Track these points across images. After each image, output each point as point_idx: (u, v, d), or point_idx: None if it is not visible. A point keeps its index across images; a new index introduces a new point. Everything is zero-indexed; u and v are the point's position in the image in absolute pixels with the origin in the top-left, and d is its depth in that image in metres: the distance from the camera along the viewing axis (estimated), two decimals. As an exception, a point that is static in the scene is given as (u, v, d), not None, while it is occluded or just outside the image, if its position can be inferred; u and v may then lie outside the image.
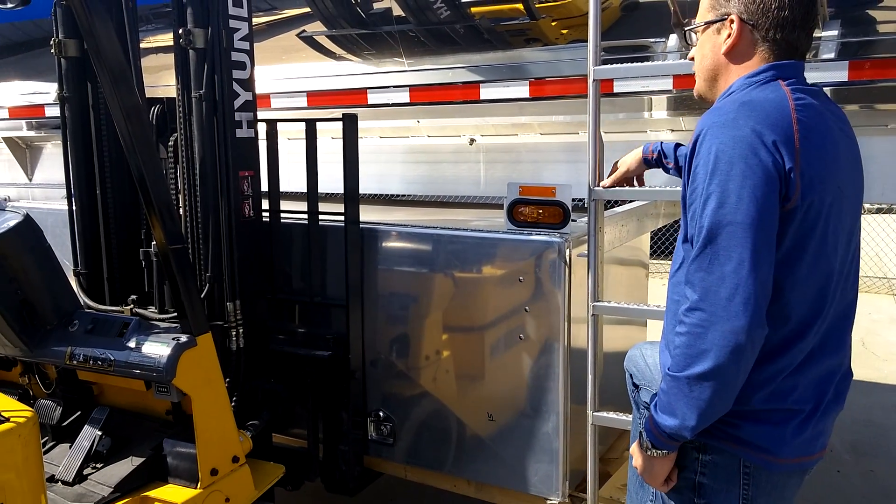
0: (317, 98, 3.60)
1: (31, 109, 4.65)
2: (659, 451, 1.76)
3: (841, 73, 2.72)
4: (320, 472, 3.10)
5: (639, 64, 2.70)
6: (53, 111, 4.62)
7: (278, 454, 3.00)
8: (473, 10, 3.45)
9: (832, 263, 1.68)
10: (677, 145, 2.39)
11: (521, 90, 3.17)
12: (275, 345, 3.07)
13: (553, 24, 3.56)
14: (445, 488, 3.14)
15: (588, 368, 2.66)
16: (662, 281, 8.19)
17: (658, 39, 3.28)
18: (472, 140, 3.58)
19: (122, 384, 2.71)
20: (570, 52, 3.22)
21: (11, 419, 2.03)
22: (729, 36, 1.76)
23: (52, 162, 5.06)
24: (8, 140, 5.02)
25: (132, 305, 2.80)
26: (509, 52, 3.27)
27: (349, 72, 3.57)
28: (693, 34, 1.88)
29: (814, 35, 3.00)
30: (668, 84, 3.00)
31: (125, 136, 2.31)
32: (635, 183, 2.56)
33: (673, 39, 3.23)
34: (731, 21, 1.74)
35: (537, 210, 2.81)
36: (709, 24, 1.80)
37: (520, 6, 3.49)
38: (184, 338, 2.46)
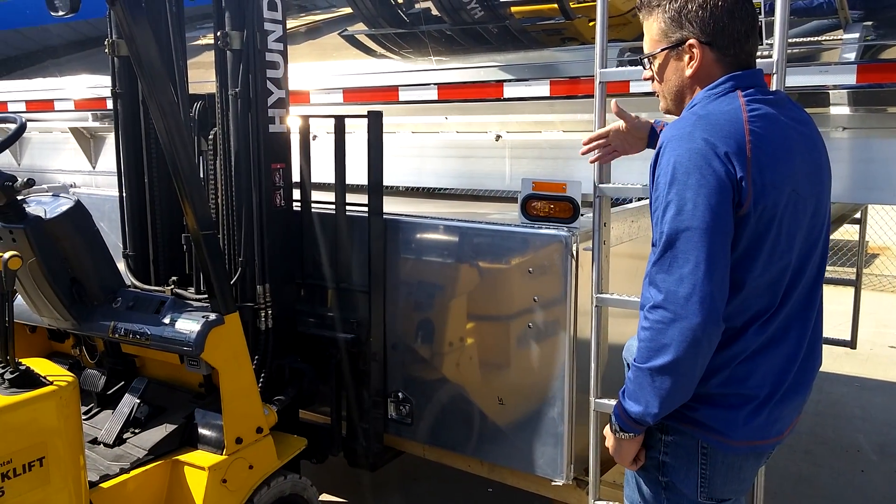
0: (352, 95, 3.79)
1: (96, 102, 4.97)
2: (626, 434, 1.90)
3: (849, 77, 2.76)
4: (343, 448, 3.30)
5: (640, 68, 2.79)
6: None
7: (304, 429, 3.21)
8: (513, 9, 3.58)
9: (788, 259, 1.80)
10: None
11: (543, 89, 3.30)
12: (302, 327, 3.28)
13: (590, 24, 3.67)
14: (461, 468, 3.31)
15: (591, 357, 2.78)
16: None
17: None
18: (498, 136, 3.71)
19: (160, 357, 2.96)
20: (589, 53, 3.32)
21: (55, 383, 2.29)
22: (691, 59, 1.87)
23: (114, 151, 5.38)
24: (74, 130, 5.37)
25: (172, 286, 3.03)
26: (532, 53, 3.39)
27: (382, 70, 3.75)
28: (648, 60, 1.98)
29: (835, 38, 3.07)
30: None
31: (161, 129, 2.53)
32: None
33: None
34: (691, 45, 1.85)
35: (549, 205, 2.93)
36: (666, 50, 1.91)
37: (555, 6, 3.61)
38: (213, 316, 2.68)
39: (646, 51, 2.00)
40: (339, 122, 3.21)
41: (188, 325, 2.67)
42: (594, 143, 2.49)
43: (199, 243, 2.64)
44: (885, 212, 8.18)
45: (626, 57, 3.56)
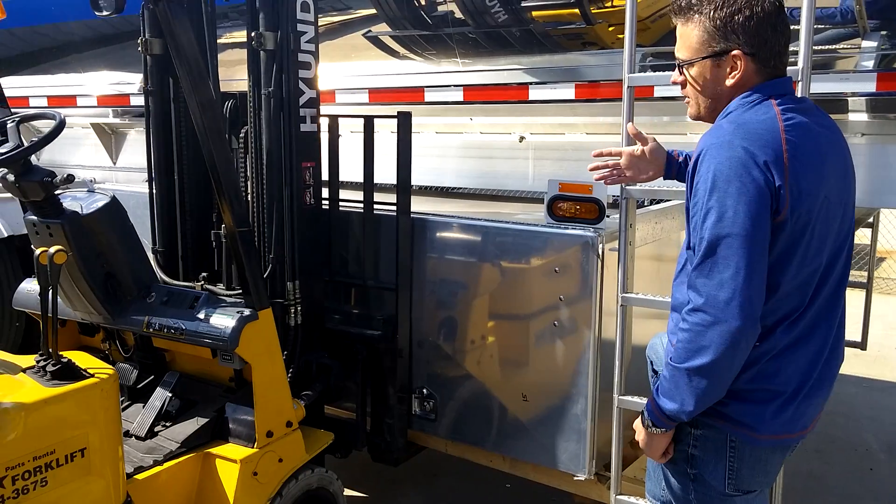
0: (377, 95, 3.84)
1: (118, 98, 5.03)
2: (658, 429, 1.95)
3: (869, 85, 2.81)
4: (367, 443, 3.35)
5: (671, 73, 2.84)
6: (138, 100, 4.99)
7: (329, 424, 3.26)
8: (534, 14, 3.64)
9: (819, 262, 1.86)
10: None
11: (568, 92, 3.35)
12: (329, 323, 3.33)
13: (610, 28, 3.72)
14: (483, 463, 3.36)
15: (616, 355, 2.83)
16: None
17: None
18: (522, 137, 3.77)
19: (191, 352, 3.01)
20: (614, 58, 3.38)
21: (96, 376, 2.34)
22: (733, 69, 1.91)
23: (135, 148, 5.44)
24: (96, 126, 5.42)
25: (202, 282, 3.09)
26: (557, 56, 3.44)
27: (407, 71, 3.80)
28: (683, 66, 2.01)
29: (853, 46, 3.12)
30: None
31: (200, 127, 2.58)
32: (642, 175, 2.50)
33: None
34: (735, 57, 1.89)
35: (575, 206, 2.99)
36: (708, 58, 1.93)
37: (576, 11, 3.66)
38: (247, 311, 2.73)
39: (680, 56, 2.03)
40: (369, 122, 3.26)
41: (223, 321, 2.72)
42: (604, 162, 2.51)
43: (234, 240, 2.69)
44: (893, 216, 8.23)
45: (647, 62, 3.61)
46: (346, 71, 3.95)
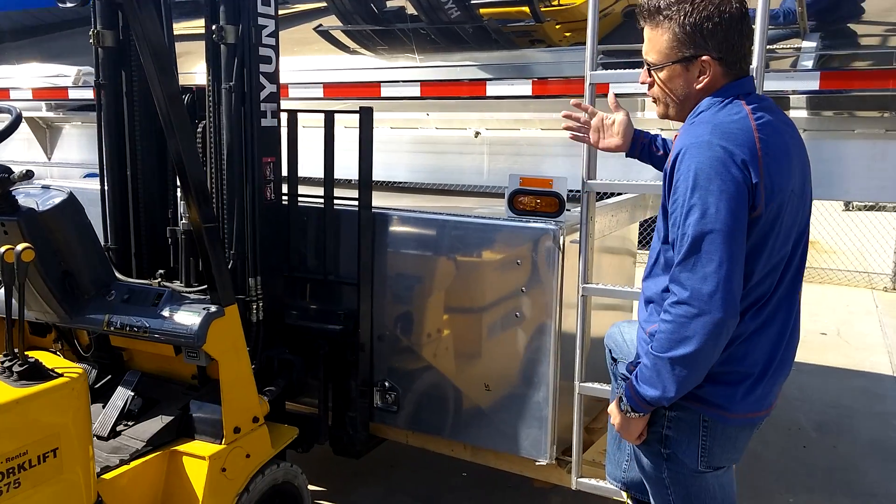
0: (333, 90, 3.84)
1: (55, 91, 4.87)
2: (636, 414, 2.04)
3: (813, 83, 2.98)
4: (329, 437, 3.37)
5: (631, 70, 2.94)
6: (77, 94, 4.85)
7: (290, 419, 3.26)
8: (482, 11, 3.70)
9: (785, 251, 1.99)
10: (665, 142, 2.62)
11: (525, 88, 3.42)
12: (289, 319, 3.33)
13: (557, 27, 3.81)
14: (444, 452, 3.42)
15: (577, 344, 2.93)
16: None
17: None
18: (478, 133, 3.83)
19: (152, 350, 2.97)
20: (571, 55, 3.47)
21: (65, 375, 2.30)
22: (702, 74, 2.01)
23: (71, 142, 5.28)
24: (29, 120, 5.23)
25: (160, 279, 3.04)
26: (514, 52, 3.52)
27: (364, 66, 3.81)
28: (654, 69, 2.09)
29: (794, 46, 3.28)
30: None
31: (166, 121, 2.55)
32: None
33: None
34: (705, 62, 1.99)
35: (535, 200, 3.07)
36: (678, 62, 2.02)
37: (526, 9, 3.74)
38: (213, 308, 2.71)
39: (649, 59, 2.12)
40: (329, 117, 3.27)
41: (189, 318, 2.69)
42: (576, 115, 2.60)
43: (201, 236, 2.67)
44: (814, 208, 8.62)
45: (599, 59, 3.71)
46: (300, 65, 3.93)
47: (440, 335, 3.23)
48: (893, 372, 5.64)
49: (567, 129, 2.66)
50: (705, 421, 2.01)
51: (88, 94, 4.92)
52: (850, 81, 2.95)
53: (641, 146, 2.56)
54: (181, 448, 2.78)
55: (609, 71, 2.82)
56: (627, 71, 2.87)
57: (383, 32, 3.92)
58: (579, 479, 2.99)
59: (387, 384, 3.36)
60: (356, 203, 3.25)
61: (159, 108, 2.55)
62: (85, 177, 5.07)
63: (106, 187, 3.28)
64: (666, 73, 2.07)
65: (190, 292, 2.88)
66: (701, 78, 2.02)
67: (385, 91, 3.73)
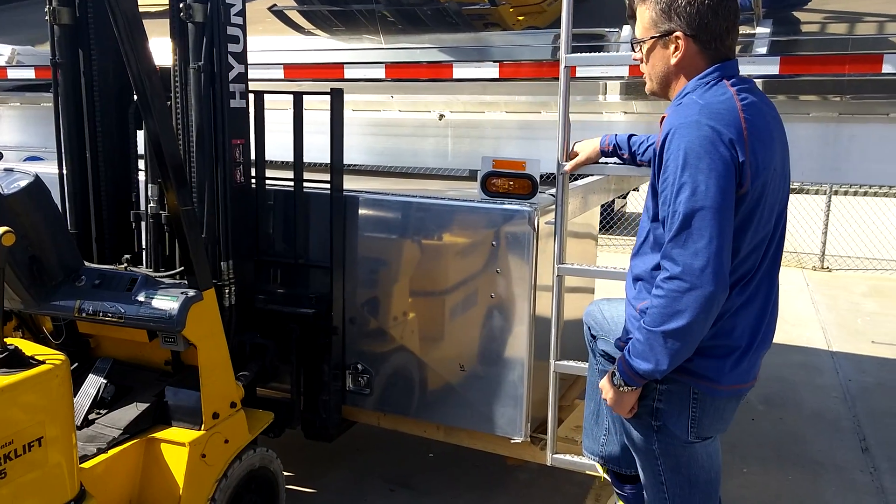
0: (294, 71, 3.79)
1: (-7, 71, 4.66)
2: (629, 388, 2.11)
3: (773, 68, 3.10)
4: (301, 421, 3.35)
5: (606, 54, 3.02)
6: (15, 74, 4.64)
7: (261, 404, 3.23)
8: (441, -8, 3.70)
9: (768, 228, 2.07)
10: (630, 136, 2.73)
11: (492, 71, 3.45)
12: (259, 303, 3.29)
13: (511, 10, 3.85)
14: (416, 433, 3.45)
15: (552, 323, 2.99)
16: (609, 252, 8.66)
17: (612, 29, 3.60)
18: (442, 116, 3.84)
19: (123, 336, 2.90)
20: (536, 38, 3.52)
21: (47, 362, 2.23)
22: (676, 49, 2.09)
23: (9, 125, 5.06)
24: (-35, 101, 5.00)
25: (126, 264, 2.97)
26: (481, 35, 3.54)
27: (326, 47, 3.77)
28: (638, 45, 2.20)
29: (749, 32, 3.40)
30: (623, 71, 3.33)
31: (143, 100, 2.49)
32: None
33: (626, 30, 3.56)
34: (677, 37, 2.07)
35: (508, 182, 3.10)
36: (654, 38, 2.12)
37: (481, -9, 3.76)
38: (191, 292, 2.67)
39: (637, 35, 2.21)
40: (298, 98, 3.23)
41: (166, 303, 2.64)
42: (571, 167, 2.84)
43: (178, 219, 2.61)
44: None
45: (559, 43, 3.77)
46: (259, 45, 3.85)
47: (414, 317, 3.25)
48: (828, 347, 5.93)
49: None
50: (695, 393, 2.09)
51: (28, 73, 4.72)
52: (808, 66, 3.08)
53: (609, 154, 2.75)
54: (159, 435, 2.73)
55: (583, 54, 2.87)
56: (601, 55, 2.95)
57: (340, 13, 3.88)
58: (555, 456, 3.06)
59: (359, 367, 3.37)
60: (327, 186, 3.23)
61: (136, 86, 2.48)
62: (25, 160, 4.86)
63: (64, 170, 3.17)
64: (647, 48, 2.17)
65: (163, 277, 2.82)
66: (675, 53, 2.09)
67: (349, 73, 3.70)
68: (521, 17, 4.02)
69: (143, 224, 3.18)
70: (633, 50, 2.25)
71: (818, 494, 3.74)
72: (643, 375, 2.05)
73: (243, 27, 3.04)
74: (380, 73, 3.63)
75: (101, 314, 2.68)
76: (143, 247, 3.22)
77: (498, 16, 3.88)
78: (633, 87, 3.59)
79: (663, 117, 2.17)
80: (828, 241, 8.65)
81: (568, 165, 2.85)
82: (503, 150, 3.72)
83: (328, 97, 3.17)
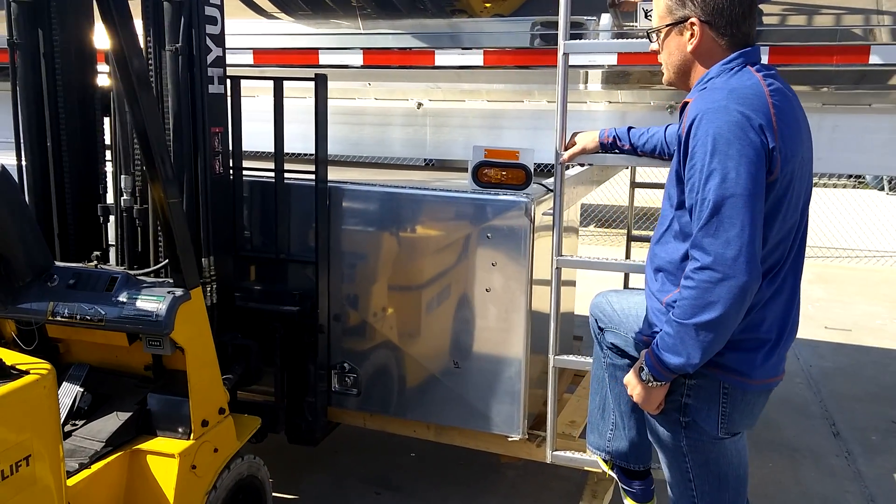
0: (264, 56, 3.60)
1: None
2: (658, 383, 2.04)
3: (763, 58, 3.07)
4: (286, 424, 3.19)
5: (604, 41, 2.95)
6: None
7: (242, 409, 3.06)
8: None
9: (795, 217, 2.03)
10: (629, 128, 2.67)
11: (476, 59, 3.34)
12: (239, 301, 3.11)
13: None
14: (405, 434, 3.33)
15: (551, 317, 2.91)
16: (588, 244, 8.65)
17: (590, 17, 3.53)
18: (420, 104, 3.71)
19: (99, 340, 2.68)
20: (521, 25, 3.42)
21: (32, 372, 2.03)
22: (692, 36, 2.05)
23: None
24: None
25: (96, 261, 2.75)
26: (466, 21, 3.43)
27: (299, 31, 3.60)
28: (655, 34, 2.15)
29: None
30: (609, 59, 3.27)
31: (127, 83, 2.29)
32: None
33: (605, 18, 3.50)
34: (692, 23, 2.03)
35: (501, 172, 3.01)
36: (669, 26, 2.08)
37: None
38: (179, 291, 2.48)
39: (653, 24, 2.15)
40: (279, 84, 3.06)
41: (152, 303, 2.45)
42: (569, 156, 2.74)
43: (165, 212, 2.42)
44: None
45: (536, 31, 3.69)
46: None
47: (404, 313, 3.13)
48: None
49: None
50: (725, 388, 2.03)
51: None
52: (796, 56, 3.08)
53: (607, 148, 2.68)
54: (144, 447, 2.54)
55: (582, 41, 2.80)
56: (599, 42, 2.88)
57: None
58: (555, 453, 2.98)
59: (346, 366, 3.22)
60: (308, 177, 3.07)
61: (119, 69, 2.29)
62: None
63: (23, 161, 2.93)
64: (662, 37, 2.13)
65: (142, 275, 2.63)
66: (691, 40, 2.05)
67: (324, 58, 3.54)
68: (487, 5, 3.93)
69: (111, 218, 2.96)
70: (651, 40, 2.19)
71: (800, 481, 3.78)
72: (673, 370, 1.99)
73: (221, 7, 2.87)
74: (357, 59, 3.48)
75: (78, 317, 2.48)
76: (112, 243, 3.00)
77: (465, 2, 3.78)
78: (614, 76, 3.54)
79: (684, 103, 2.11)
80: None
81: (566, 154, 2.76)
82: (485, 140, 3.61)
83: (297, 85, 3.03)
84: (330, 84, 3.15)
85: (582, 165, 3.38)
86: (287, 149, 3.18)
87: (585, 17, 3.56)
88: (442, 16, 3.64)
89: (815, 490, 3.72)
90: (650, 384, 2.06)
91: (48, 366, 2.06)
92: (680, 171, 2.02)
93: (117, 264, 2.94)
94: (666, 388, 2.07)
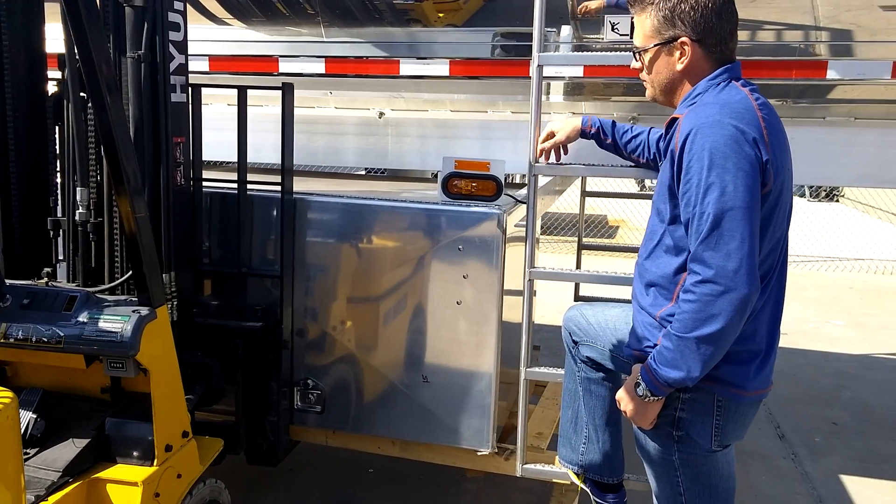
0: (221, 63, 3.48)
1: None
2: (655, 398, 2.04)
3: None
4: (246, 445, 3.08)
5: (578, 53, 2.95)
6: None
7: (201, 430, 2.93)
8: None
9: (783, 228, 2.07)
10: (613, 123, 2.66)
11: (442, 69, 3.31)
12: (199, 317, 2.99)
13: (433, 6, 3.73)
14: (368, 450, 3.25)
15: (523, 329, 2.89)
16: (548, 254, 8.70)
17: (550, 29, 3.54)
18: (382, 113, 3.65)
19: (52, 362, 2.52)
20: (483, 36, 3.40)
21: (-7, 401, 1.88)
22: (682, 55, 2.07)
23: None
24: None
25: (46, 279, 2.60)
26: (433, 31, 3.39)
27: (256, 38, 3.49)
28: (640, 52, 2.15)
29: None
30: (576, 71, 3.28)
31: (95, 91, 2.16)
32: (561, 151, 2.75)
33: (566, 30, 3.51)
34: (683, 43, 2.05)
35: (471, 183, 2.98)
36: (658, 46, 2.09)
37: (407, -13, 3.61)
38: (144, 310, 2.36)
39: (636, 43, 2.17)
40: (243, 93, 2.95)
41: (116, 323, 2.32)
42: (551, 144, 2.68)
43: (132, 227, 2.30)
44: (626, 188, 9.26)
45: (496, 41, 3.68)
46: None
47: (372, 328, 3.05)
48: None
49: (541, 154, 2.74)
50: (719, 401, 2.05)
51: None
52: (758, 70, 3.15)
53: (590, 135, 2.63)
54: (104, 475, 2.40)
55: (556, 54, 2.80)
56: (573, 54, 2.88)
57: (258, 1, 3.61)
58: (525, 466, 2.96)
59: (310, 382, 3.13)
60: (273, 188, 2.98)
61: (87, 76, 2.16)
62: None
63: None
64: (650, 56, 2.13)
65: (100, 292, 2.49)
66: (681, 59, 2.07)
67: (284, 66, 3.44)
68: (441, 14, 3.90)
69: (61, 233, 2.80)
70: (635, 59, 2.19)
71: (753, 485, 3.87)
72: (672, 384, 1.99)
73: (184, 13, 2.75)
74: (319, 67, 3.40)
75: (33, 339, 2.32)
76: (62, 258, 2.84)
77: (420, 12, 3.74)
78: (575, 88, 3.56)
79: (672, 119, 2.12)
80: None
81: (549, 143, 2.68)
82: (446, 150, 3.58)
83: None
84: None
85: (558, 162, 3.36)
86: (256, 158, 3.08)
87: (547, 29, 3.57)
88: (398, 25, 3.59)
89: (768, 492, 3.82)
90: (647, 399, 2.05)
91: (11, 394, 1.92)
92: (673, 187, 2.03)
93: (68, 281, 2.78)
94: (661, 402, 2.07)
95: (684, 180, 1.96)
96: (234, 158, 3.71)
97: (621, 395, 2.13)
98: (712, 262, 1.88)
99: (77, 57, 2.17)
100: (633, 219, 9.75)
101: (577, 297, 4.39)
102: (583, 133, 2.64)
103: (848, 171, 3.19)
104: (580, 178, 4.30)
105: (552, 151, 2.71)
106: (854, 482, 3.90)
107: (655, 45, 2.09)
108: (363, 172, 4.47)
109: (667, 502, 2.21)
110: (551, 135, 2.69)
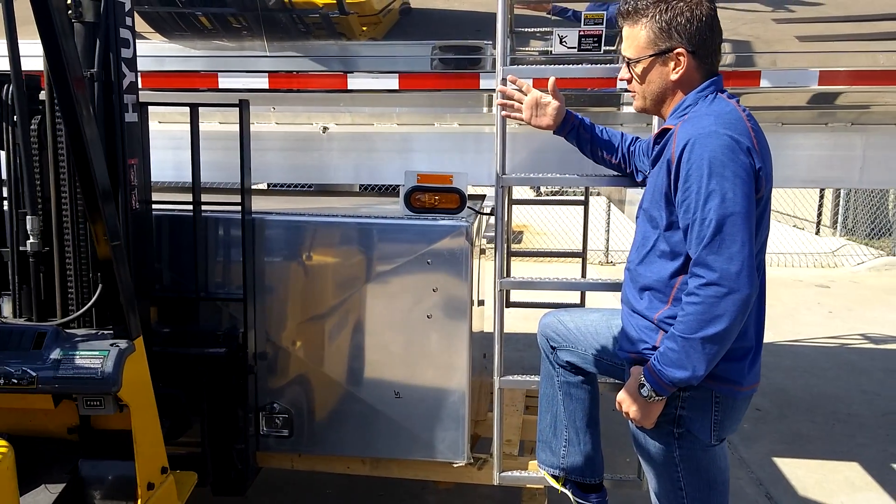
0: (154, 79, 3.32)
1: None
2: (659, 398, 2.12)
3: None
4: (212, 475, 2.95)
5: (541, 66, 3.01)
6: None
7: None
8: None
9: (767, 231, 2.20)
10: (592, 126, 2.70)
11: (391, 82, 3.29)
12: (157, 347, 2.84)
13: (358, 19, 3.72)
14: (337, 471, 3.20)
15: (495, 338, 2.92)
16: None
17: (487, 42, 3.59)
18: (326, 128, 3.59)
19: (18, 405, 2.34)
20: (422, 49, 3.40)
21: (-14, 452, 1.74)
22: (677, 66, 2.16)
23: None
24: None
25: (-3, 314, 2.42)
26: (380, 44, 3.36)
27: (193, 53, 3.36)
28: (632, 63, 2.22)
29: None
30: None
31: (67, 108, 2.03)
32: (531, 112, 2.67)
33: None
34: (679, 54, 2.14)
35: (434, 197, 2.99)
36: (653, 56, 2.17)
37: (333, 0, 3.58)
38: (123, 343, 2.23)
39: (628, 54, 2.22)
40: (194, 111, 2.84)
41: (94, 360, 2.18)
42: (510, 93, 2.68)
43: (108, 257, 2.17)
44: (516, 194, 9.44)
45: (434, 54, 3.69)
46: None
47: (340, 347, 3.00)
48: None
49: (501, 104, 2.71)
50: (717, 397, 2.14)
51: None
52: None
53: (571, 126, 2.66)
54: (84, 521, 2.26)
55: (521, 66, 2.84)
56: (536, 67, 2.95)
57: (183, 15, 3.48)
58: (502, 474, 2.99)
59: (276, 406, 3.04)
60: (231, 208, 2.88)
61: (60, 94, 2.02)
62: None
63: None
64: (643, 66, 2.20)
65: (62, 324, 2.34)
66: (676, 70, 2.16)
67: (224, 82, 3.33)
68: (364, 28, 3.90)
69: (9, 264, 2.61)
70: (626, 69, 2.26)
71: (697, 473, 4.04)
72: (677, 384, 2.07)
73: (133, 29, 2.62)
74: (262, 82, 3.31)
75: (2, 381, 2.15)
76: (9, 290, 2.64)
77: (346, 25, 3.72)
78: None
79: (663, 130, 2.21)
80: (610, 238, 9.45)
81: (528, 100, 2.65)
82: (393, 164, 3.56)
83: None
84: (225, 109, 2.99)
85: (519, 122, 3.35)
86: (160, 177, 2.99)
87: (484, 42, 3.62)
88: (325, 38, 3.55)
89: (710, 480, 4.00)
90: (651, 399, 2.12)
91: (6, 444, 1.78)
92: (669, 195, 2.11)
93: (14, 315, 2.59)
94: (664, 402, 2.14)
95: (683, 188, 2.04)
96: (163, 178, 3.60)
97: (622, 398, 2.20)
98: (716, 265, 1.97)
99: (49, 74, 2.03)
100: (536, 224, 9.99)
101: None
102: (564, 122, 2.64)
103: (776, 174, 3.43)
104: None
105: (513, 106, 2.70)
106: (786, 464, 4.15)
107: (651, 56, 2.15)
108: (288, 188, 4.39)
109: (668, 498, 2.29)
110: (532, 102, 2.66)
